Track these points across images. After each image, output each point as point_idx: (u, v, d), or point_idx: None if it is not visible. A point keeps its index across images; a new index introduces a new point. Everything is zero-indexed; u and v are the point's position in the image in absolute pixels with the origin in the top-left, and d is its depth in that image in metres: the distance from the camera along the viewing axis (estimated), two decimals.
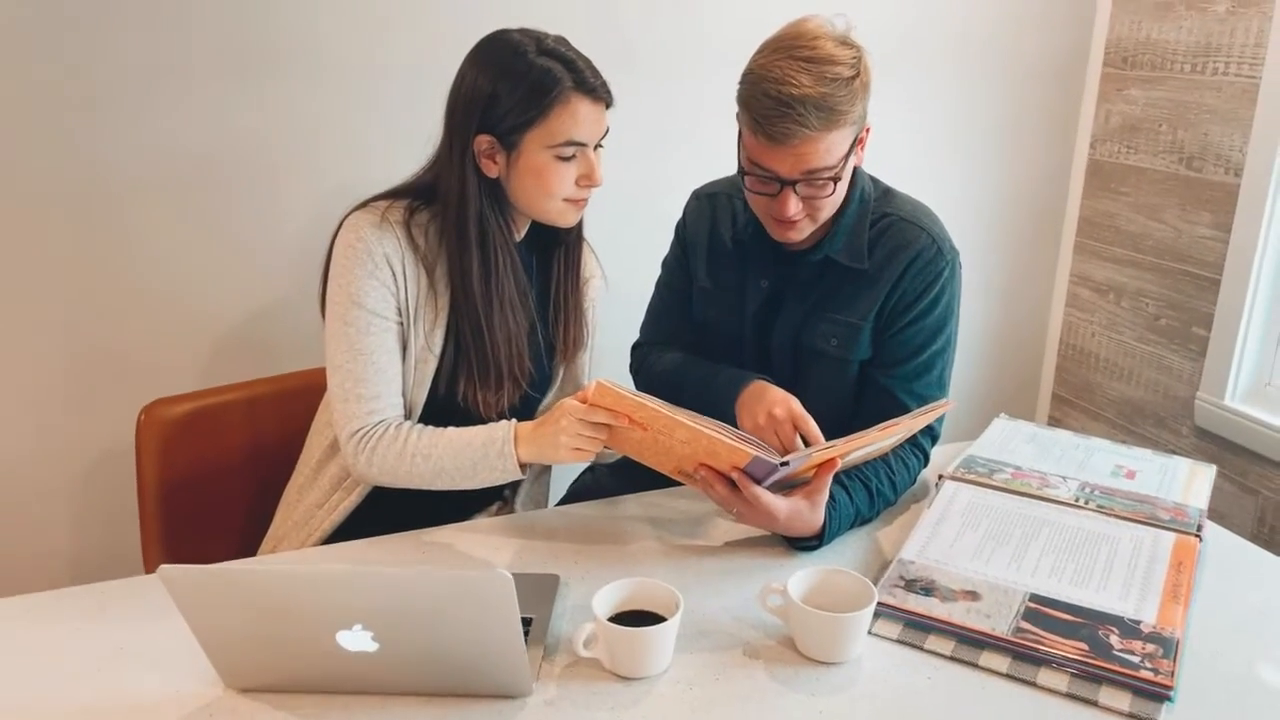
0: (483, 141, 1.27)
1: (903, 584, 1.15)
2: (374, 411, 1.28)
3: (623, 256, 1.61)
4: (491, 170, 1.29)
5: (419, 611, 0.89)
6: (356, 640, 0.91)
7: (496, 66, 1.25)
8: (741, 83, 1.29)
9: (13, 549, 1.83)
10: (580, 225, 1.42)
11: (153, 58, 1.68)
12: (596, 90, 1.27)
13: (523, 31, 1.29)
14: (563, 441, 1.18)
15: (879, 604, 1.10)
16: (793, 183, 1.28)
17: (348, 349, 1.28)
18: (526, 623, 1.09)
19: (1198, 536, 1.24)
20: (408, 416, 1.33)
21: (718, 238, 1.49)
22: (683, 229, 1.56)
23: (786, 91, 1.22)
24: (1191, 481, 1.41)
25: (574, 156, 1.28)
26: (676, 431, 1.14)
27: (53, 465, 1.81)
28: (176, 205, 1.76)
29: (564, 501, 1.54)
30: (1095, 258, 2.45)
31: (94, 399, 1.79)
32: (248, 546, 1.50)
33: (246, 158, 1.77)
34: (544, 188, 1.28)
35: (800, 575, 1.08)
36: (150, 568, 1.45)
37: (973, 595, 1.13)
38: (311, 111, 1.79)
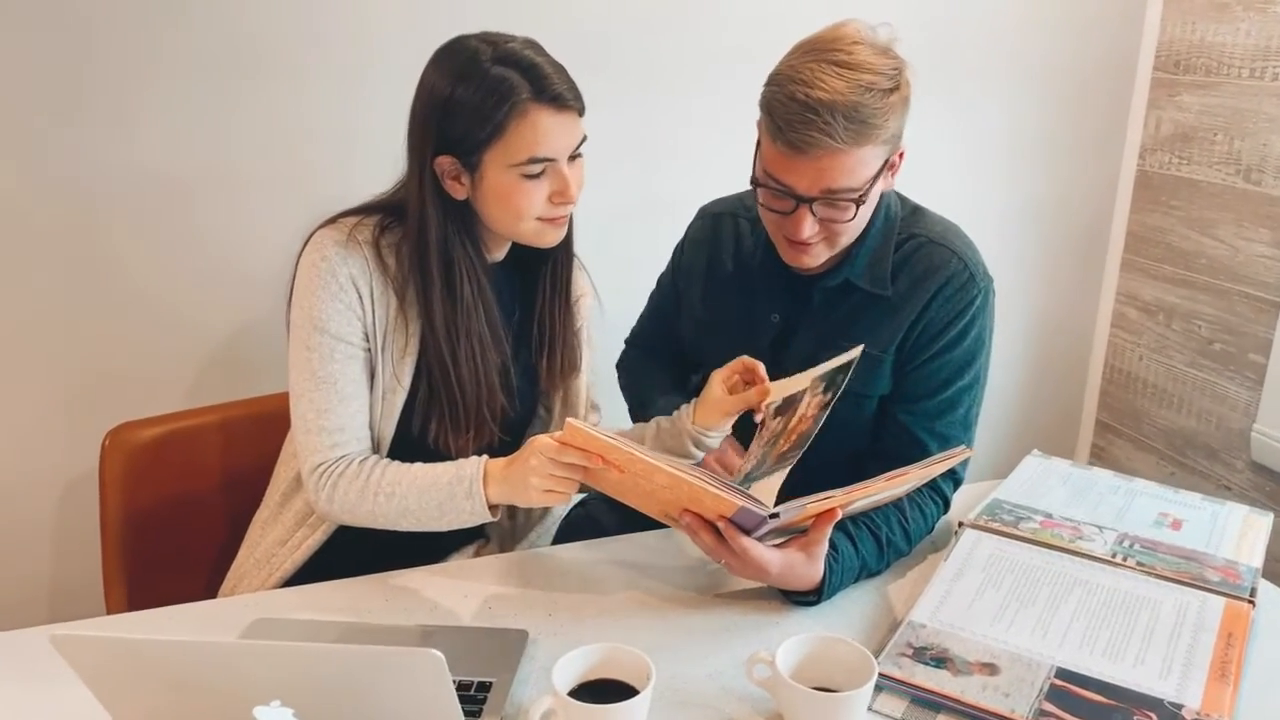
0: (444, 162, 1.15)
1: (911, 652, 1.03)
2: (337, 445, 1.18)
3: (613, 274, 1.49)
4: (458, 192, 1.17)
5: (342, 689, 0.78)
6: (276, 716, 0.81)
7: (451, 78, 1.13)
8: (767, 84, 1.18)
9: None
10: (569, 240, 1.30)
11: (128, 70, 1.61)
12: (561, 97, 1.13)
13: (483, 36, 1.15)
14: (533, 483, 1.07)
15: (881, 675, 0.97)
16: (810, 201, 1.16)
17: (310, 376, 1.18)
18: (486, 687, 0.98)
19: (1250, 602, 1.10)
20: (376, 450, 1.23)
21: (718, 264, 1.38)
22: (680, 251, 1.46)
23: (815, 96, 1.10)
24: (1245, 534, 1.26)
25: (543, 173, 1.15)
26: (655, 476, 1.02)
27: (30, 491, 1.75)
28: (151, 220, 1.68)
29: (556, 538, 1.43)
30: (1144, 276, 2.28)
31: (72, 420, 1.72)
32: (217, 583, 1.41)
33: (225, 172, 1.69)
34: (513, 210, 1.15)
35: (791, 644, 0.96)
36: (112, 606, 1.37)
37: (990, 668, 1.00)
38: (294, 125, 1.71)
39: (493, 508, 1.13)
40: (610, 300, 1.42)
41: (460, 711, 0.79)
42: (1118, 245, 2.34)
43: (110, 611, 1.36)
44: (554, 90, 1.12)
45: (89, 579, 1.76)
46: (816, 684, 0.93)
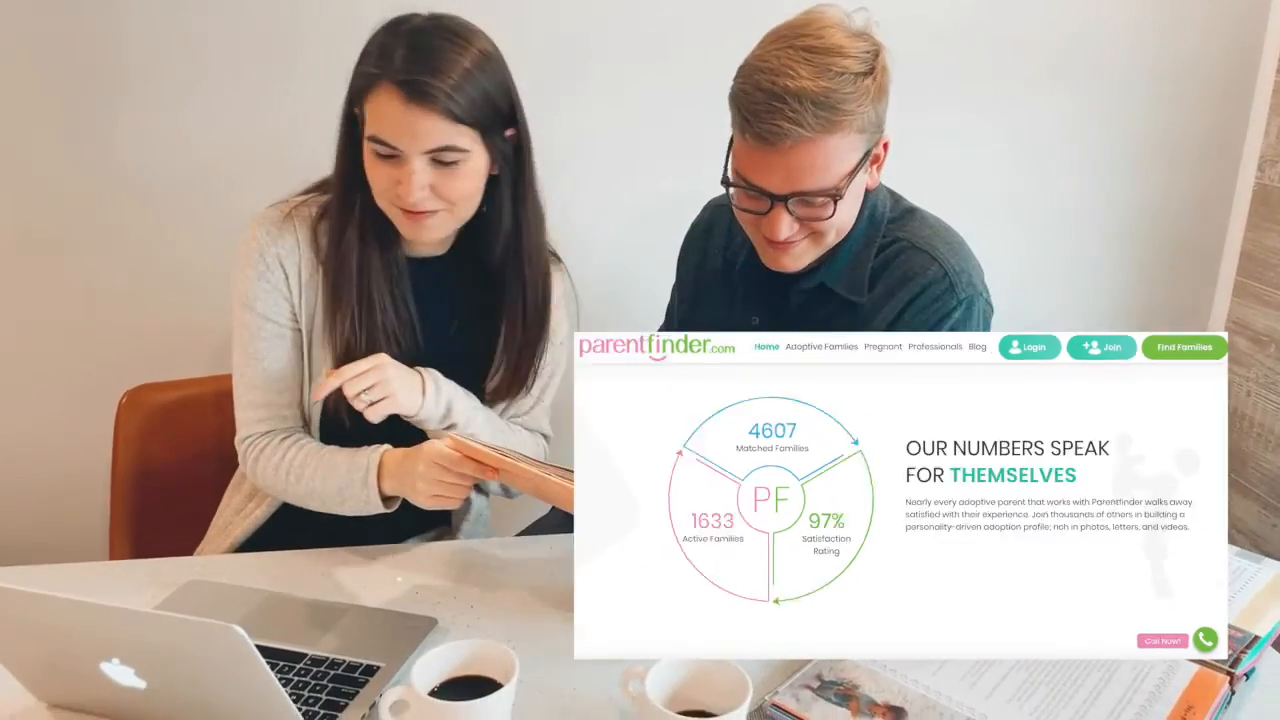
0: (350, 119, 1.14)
1: (816, 684, 0.95)
2: (263, 420, 1.21)
3: (627, 277, 1.46)
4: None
5: (165, 654, 0.80)
6: (120, 673, 0.83)
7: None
8: (735, 77, 1.13)
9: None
10: (521, 257, 1.22)
11: (163, 54, 1.70)
12: (412, 85, 1.01)
13: (430, 14, 1.13)
14: (420, 488, 1.08)
15: (775, 706, 0.91)
16: (784, 198, 1.10)
17: (241, 351, 1.21)
18: (371, 671, 0.98)
19: (1229, 674, 0.95)
20: (308, 430, 1.24)
21: (708, 260, 1.33)
22: (682, 245, 1.41)
23: (781, 84, 1.05)
24: (1270, 598, 1.10)
25: (394, 158, 1.07)
26: (527, 480, 1.02)
27: (49, 443, 1.88)
28: (190, 202, 1.78)
29: (547, 528, 1.42)
30: (1257, 302, 2.04)
31: (96, 378, 1.81)
32: None
33: (265, 157, 1.76)
34: (371, 184, 1.12)
35: (670, 662, 0.90)
36: (115, 556, 1.45)
37: (897, 713, 0.91)
38: (332, 115, 1.76)
39: (389, 499, 1.13)
40: (617, 304, 1.40)
41: (279, 688, 0.78)
42: (1230, 267, 2.10)
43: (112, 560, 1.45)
44: (402, 76, 1.02)
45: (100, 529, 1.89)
46: (691, 708, 0.88)
